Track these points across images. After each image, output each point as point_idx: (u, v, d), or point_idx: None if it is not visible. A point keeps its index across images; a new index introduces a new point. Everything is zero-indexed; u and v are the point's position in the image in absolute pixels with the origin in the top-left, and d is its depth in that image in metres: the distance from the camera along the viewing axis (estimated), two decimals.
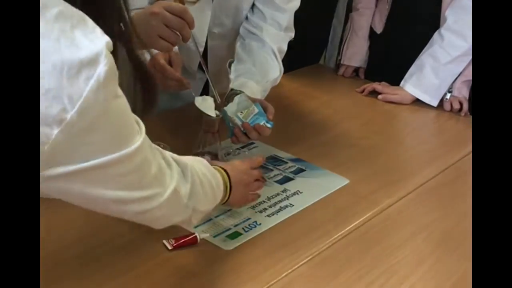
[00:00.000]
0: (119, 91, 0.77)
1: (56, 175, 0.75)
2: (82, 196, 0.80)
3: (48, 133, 0.71)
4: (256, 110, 1.45)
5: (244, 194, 1.24)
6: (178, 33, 1.28)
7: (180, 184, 0.94)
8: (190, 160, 1.01)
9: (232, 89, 1.56)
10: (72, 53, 0.70)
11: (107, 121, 0.76)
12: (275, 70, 1.67)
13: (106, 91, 0.73)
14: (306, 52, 2.31)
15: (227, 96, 1.54)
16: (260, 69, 1.63)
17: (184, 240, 1.18)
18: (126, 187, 0.83)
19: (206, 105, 1.37)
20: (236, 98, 1.48)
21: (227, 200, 1.16)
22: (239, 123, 1.44)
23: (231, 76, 1.62)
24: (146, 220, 0.93)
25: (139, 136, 0.82)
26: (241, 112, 1.45)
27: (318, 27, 2.31)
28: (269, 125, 1.45)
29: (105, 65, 0.71)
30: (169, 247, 1.17)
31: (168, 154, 0.94)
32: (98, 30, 0.74)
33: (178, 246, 1.17)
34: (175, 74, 1.43)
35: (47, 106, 0.69)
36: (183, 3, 1.47)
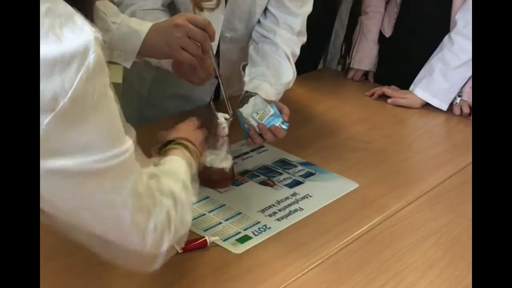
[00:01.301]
0: (109, 91, 0.80)
1: (55, 169, 0.76)
2: (74, 200, 0.81)
3: (41, 119, 0.73)
4: (272, 111, 1.44)
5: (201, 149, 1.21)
6: (199, 44, 1.33)
7: (172, 213, 0.93)
8: (174, 173, 1.00)
9: (246, 92, 1.56)
10: (61, 47, 0.73)
11: (98, 116, 0.77)
12: (289, 73, 1.68)
13: (96, 83, 0.76)
14: (307, 57, 2.31)
15: (242, 99, 1.55)
16: (274, 72, 1.64)
17: (194, 243, 1.19)
18: (119, 191, 0.83)
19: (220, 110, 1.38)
20: (252, 100, 1.48)
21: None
22: (255, 124, 1.44)
23: (245, 78, 1.63)
24: (138, 242, 0.88)
25: (128, 139, 0.84)
26: (257, 113, 1.44)
27: (320, 31, 2.30)
28: (284, 127, 1.44)
29: (93, 57, 0.75)
30: (179, 250, 1.17)
31: (164, 181, 0.94)
32: (86, 27, 0.76)
33: (188, 249, 1.18)
34: (211, 67, 1.44)
35: (40, 93, 0.72)
36: (202, 9, 1.48)
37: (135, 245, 0.89)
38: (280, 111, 1.47)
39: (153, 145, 1.32)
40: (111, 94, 0.81)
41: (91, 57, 0.74)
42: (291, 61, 1.69)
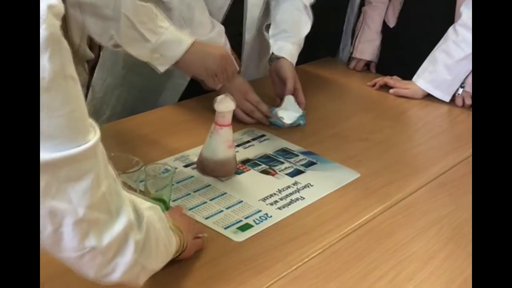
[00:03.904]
0: (72, 73, 0.71)
1: None
2: None
3: None
4: (300, 113, 1.69)
5: (194, 243, 1.11)
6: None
7: (134, 229, 0.80)
8: (146, 209, 0.87)
9: (272, 53, 1.78)
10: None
11: (52, 100, 0.68)
12: (307, 25, 1.85)
13: (49, 59, 0.67)
14: (324, 44, 2.30)
15: (270, 58, 1.78)
16: (294, 29, 1.82)
17: None
18: (68, 197, 0.72)
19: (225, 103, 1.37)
20: (286, 100, 1.69)
21: (178, 255, 1.04)
22: (282, 125, 1.67)
23: (270, 41, 1.81)
24: (85, 263, 0.77)
25: (94, 135, 0.74)
26: (290, 118, 1.67)
27: (334, 19, 2.30)
28: (302, 123, 1.70)
29: (45, 29, 0.66)
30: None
31: (126, 194, 0.82)
32: None
33: None
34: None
35: None
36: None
37: (75, 267, 0.79)
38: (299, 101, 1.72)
39: (137, 138, 1.31)
40: (74, 77, 0.71)
41: (42, 28, 0.66)
42: (308, 11, 1.86)
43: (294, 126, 1.68)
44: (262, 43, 1.88)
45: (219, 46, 1.56)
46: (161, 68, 1.50)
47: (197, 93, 1.76)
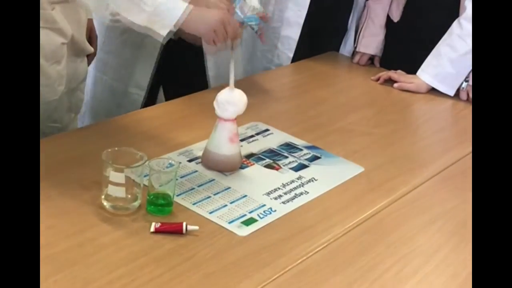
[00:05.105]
0: None
1: None
2: None
3: None
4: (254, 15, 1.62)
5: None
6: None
7: None
8: None
9: None
10: None
11: None
12: None
13: None
14: (329, 38, 2.30)
15: None
16: None
17: (169, 226, 1.17)
18: None
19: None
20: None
21: None
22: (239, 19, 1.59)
23: None
24: None
25: None
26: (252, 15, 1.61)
27: (340, 13, 2.29)
28: (251, 26, 1.63)
29: None
30: (152, 229, 1.16)
31: None
32: None
33: (161, 230, 1.16)
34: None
35: None
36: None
37: None
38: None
39: (141, 133, 1.30)
40: None
41: None
42: None
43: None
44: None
45: (225, 10, 1.53)
46: (163, 32, 1.45)
47: (174, 61, 1.75)
